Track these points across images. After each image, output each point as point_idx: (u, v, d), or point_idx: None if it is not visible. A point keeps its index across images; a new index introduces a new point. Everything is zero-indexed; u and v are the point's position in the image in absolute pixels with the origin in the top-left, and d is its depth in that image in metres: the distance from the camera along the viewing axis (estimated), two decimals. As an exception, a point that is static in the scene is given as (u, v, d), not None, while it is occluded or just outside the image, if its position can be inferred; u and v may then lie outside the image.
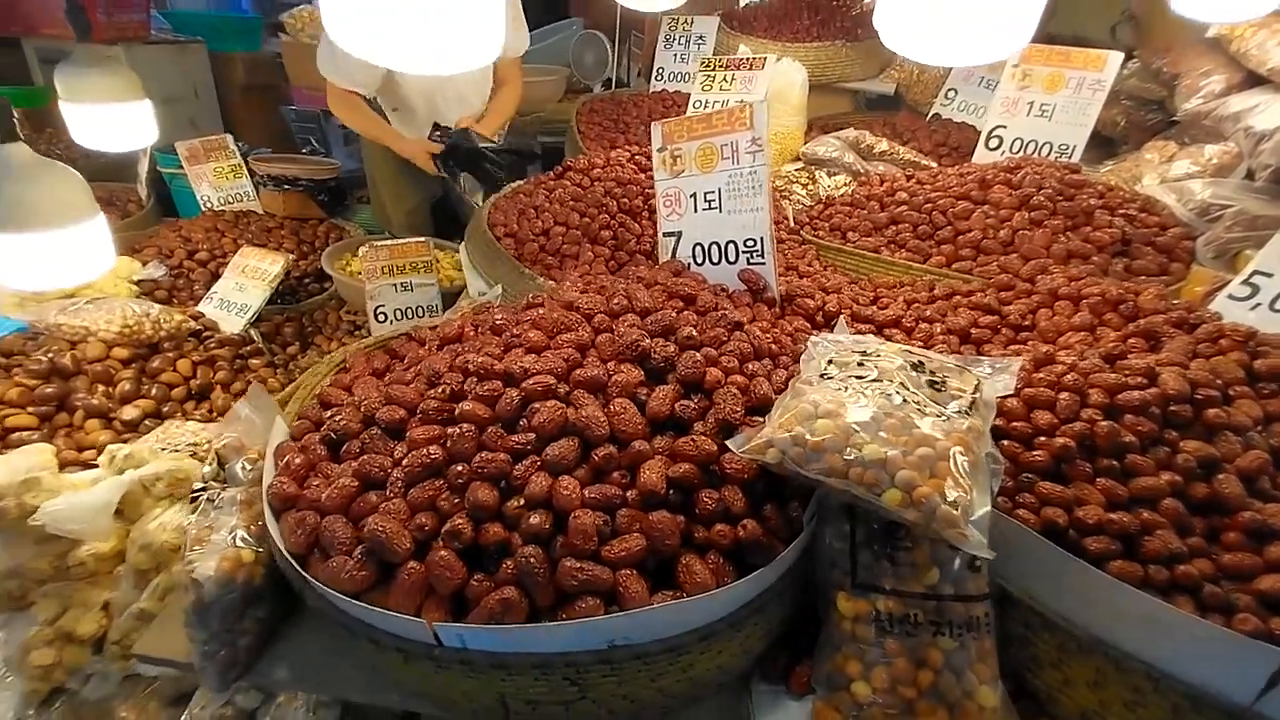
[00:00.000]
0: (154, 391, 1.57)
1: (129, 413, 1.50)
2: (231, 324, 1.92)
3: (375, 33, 0.72)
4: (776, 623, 0.77)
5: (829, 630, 0.74)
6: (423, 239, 1.88)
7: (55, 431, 1.45)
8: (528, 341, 0.93)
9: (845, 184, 1.87)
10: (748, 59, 2.05)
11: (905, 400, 0.75)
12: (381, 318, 1.92)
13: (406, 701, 0.78)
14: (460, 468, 0.76)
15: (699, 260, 1.31)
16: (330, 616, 0.70)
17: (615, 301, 1.02)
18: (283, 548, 0.72)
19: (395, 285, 1.91)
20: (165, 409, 1.57)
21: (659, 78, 2.80)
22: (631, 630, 0.66)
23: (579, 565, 0.67)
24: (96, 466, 1.31)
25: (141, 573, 1.08)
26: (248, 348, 1.84)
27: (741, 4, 2.90)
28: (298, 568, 0.70)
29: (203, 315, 1.88)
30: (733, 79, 2.06)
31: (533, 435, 0.78)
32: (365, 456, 0.81)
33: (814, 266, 1.50)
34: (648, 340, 0.89)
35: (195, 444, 1.37)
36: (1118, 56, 1.73)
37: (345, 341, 2.03)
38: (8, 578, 1.07)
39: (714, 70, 2.09)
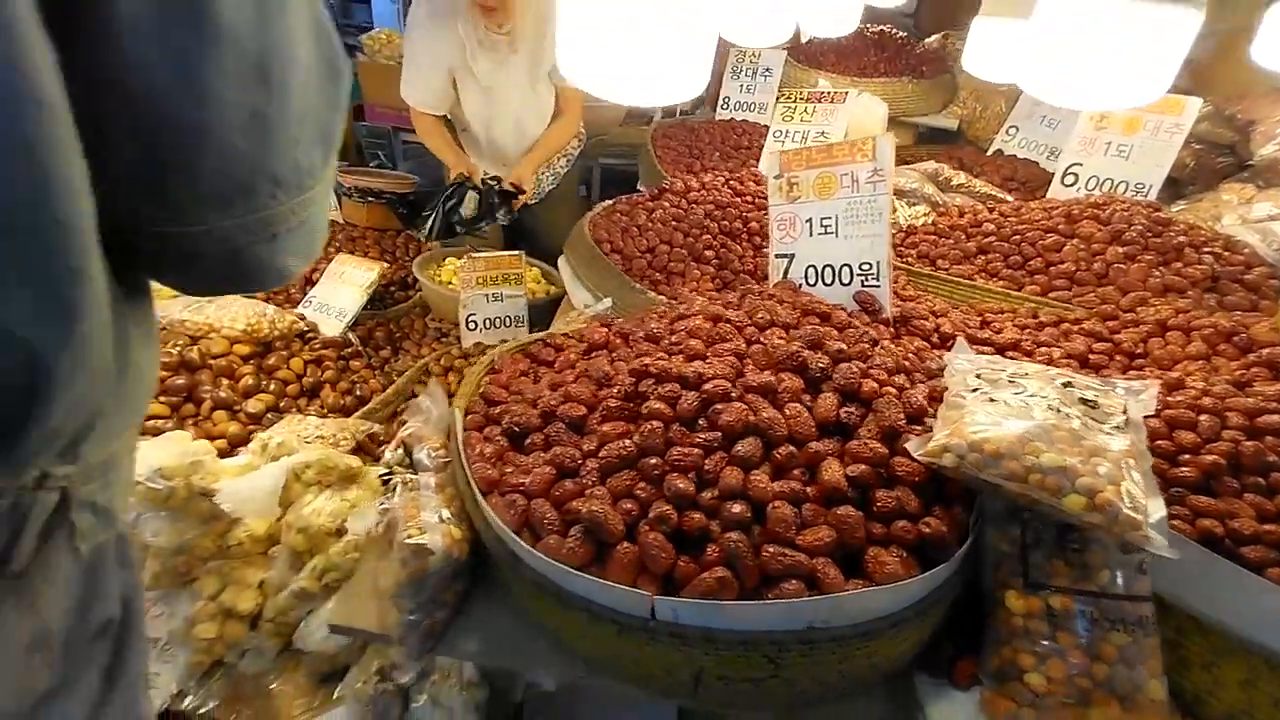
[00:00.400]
0: (271, 387, 1.67)
1: (253, 405, 1.59)
2: (329, 327, 2.01)
3: (599, 69, 0.81)
4: (941, 617, 0.83)
5: (996, 626, 0.80)
6: (516, 252, 1.98)
7: (183, 421, 1.54)
8: (689, 349, 1.01)
9: (925, 214, 1.96)
10: (829, 92, 2.15)
11: (1067, 415, 0.82)
12: (472, 326, 2.01)
13: (592, 676, 0.85)
14: (654, 460, 0.83)
15: (810, 281, 1.39)
16: (545, 589, 0.77)
17: (759, 316, 1.10)
18: (503, 525, 0.79)
19: (487, 295, 2.00)
20: (282, 404, 1.66)
21: (725, 106, 2.92)
22: (829, 614, 0.73)
23: (782, 550, 0.74)
24: (229, 455, 1.40)
25: (296, 554, 1.16)
26: (348, 350, 1.93)
27: (804, 40, 3.02)
28: (522, 543, 0.77)
29: (304, 317, 1.98)
30: (813, 111, 2.16)
31: (717, 434, 0.85)
32: (556, 449, 0.89)
33: (909, 291, 1.57)
34: (806, 351, 0.97)
35: (322, 436, 1.46)
36: (1196, 102, 1.82)
37: (434, 347, 2.12)
38: (175, 554, 1.15)
39: (794, 102, 2.20)
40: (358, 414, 1.66)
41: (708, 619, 0.72)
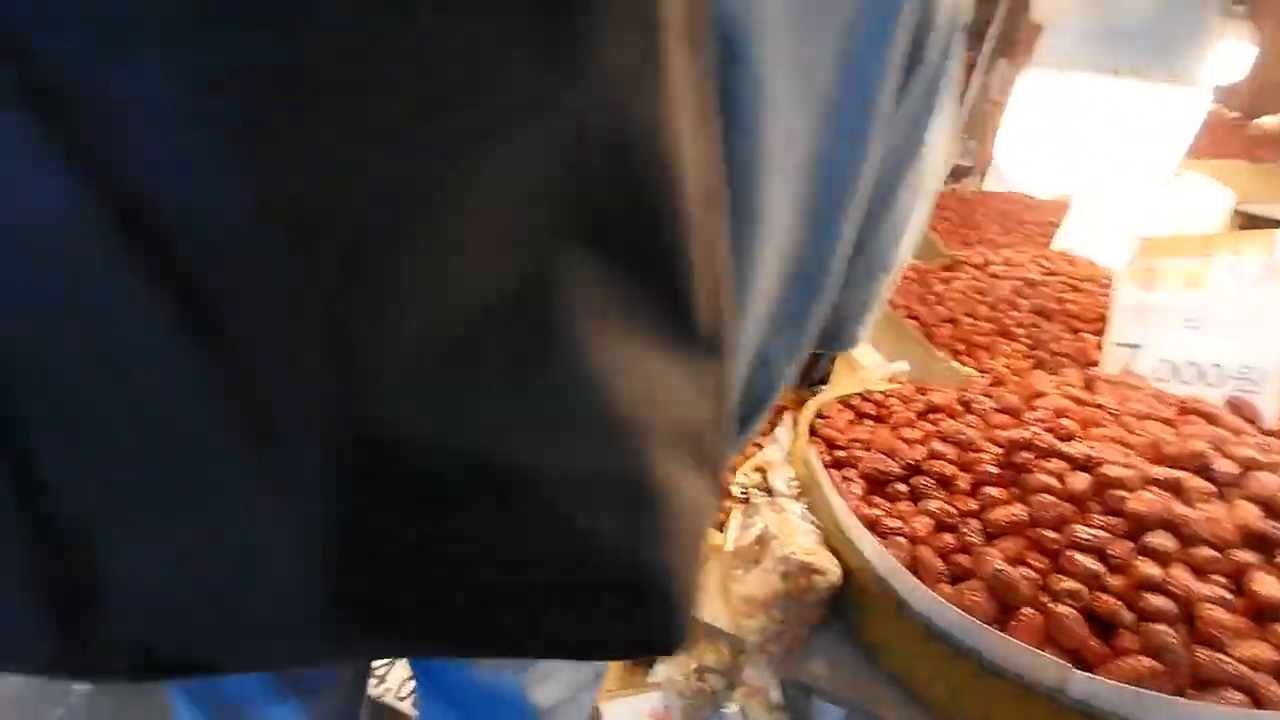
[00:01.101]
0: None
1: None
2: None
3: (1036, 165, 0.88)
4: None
5: None
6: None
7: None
8: (1060, 429, 1.02)
9: None
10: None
11: None
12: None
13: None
14: (1050, 533, 0.85)
15: (1161, 377, 1.31)
16: (935, 636, 0.81)
17: (1133, 404, 1.07)
18: (897, 565, 0.86)
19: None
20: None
21: (996, 178, 2.84)
22: (1276, 738, 0.69)
23: (1222, 656, 0.72)
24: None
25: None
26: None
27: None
28: (921, 585, 0.83)
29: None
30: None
31: (1118, 520, 0.85)
32: (930, 502, 0.94)
33: (1271, 403, 1.41)
34: (1211, 451, 0.92)
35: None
36: None
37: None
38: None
39: (1107, 181, 2.09)
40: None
41: (1132, 707, 0.72)
